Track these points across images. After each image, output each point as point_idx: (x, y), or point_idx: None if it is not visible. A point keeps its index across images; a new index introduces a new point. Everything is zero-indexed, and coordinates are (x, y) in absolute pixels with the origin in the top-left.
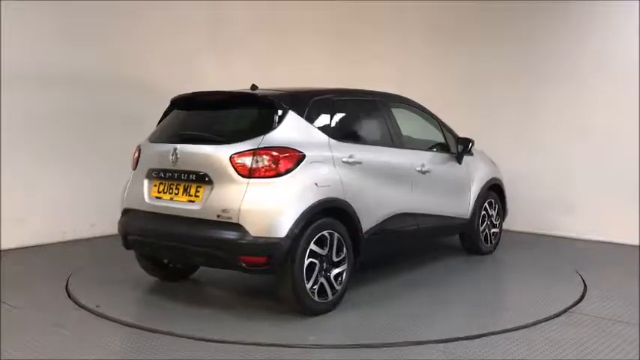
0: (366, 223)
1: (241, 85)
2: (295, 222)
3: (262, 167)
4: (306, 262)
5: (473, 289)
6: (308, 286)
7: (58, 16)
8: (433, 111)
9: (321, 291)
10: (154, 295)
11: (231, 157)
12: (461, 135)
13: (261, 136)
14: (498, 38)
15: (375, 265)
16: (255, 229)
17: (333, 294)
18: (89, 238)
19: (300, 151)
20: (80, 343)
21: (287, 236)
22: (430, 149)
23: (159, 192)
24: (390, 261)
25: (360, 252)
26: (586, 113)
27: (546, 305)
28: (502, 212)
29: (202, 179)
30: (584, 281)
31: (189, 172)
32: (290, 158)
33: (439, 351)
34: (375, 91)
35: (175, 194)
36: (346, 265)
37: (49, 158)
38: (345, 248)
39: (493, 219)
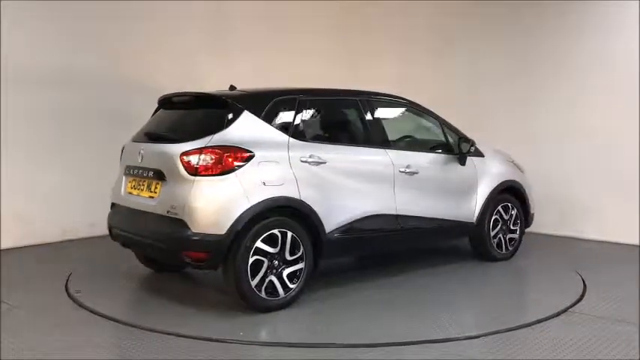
0: (332, 223)
1: (241, 85)
2: (236, 220)
3: (207, 165)
4: (251, 259)
5: (471, 290)
6: (253, 283)
7: (58, 16)
8: (434, 110)
9: (272, 289)
10: (154, 295)
11: (180, 156)
12: (467, 135)
13: (211, 136)
14: (499, 38)
15: (363, 266)
16: (196, 225)
17: (286, 292)
18: (89, 238)
19: (247, 150)
20: (80, 343)
21: (227, 233)
22: (424, 149)
23: (131, 188)
24: (382, 263)
25: (323, 252)
26: (586, 113)
27: (546, 305)
28: (522, 217)
29: (159, 176)
30: (583, 281)
31: (149, 170)
32: (235, 157)
33: (439, 351)
34: (355, 91)
35: (141, 190)
36: (303, 264)
37: (49, 158)
38: (302, 247)
39: (510, 224)
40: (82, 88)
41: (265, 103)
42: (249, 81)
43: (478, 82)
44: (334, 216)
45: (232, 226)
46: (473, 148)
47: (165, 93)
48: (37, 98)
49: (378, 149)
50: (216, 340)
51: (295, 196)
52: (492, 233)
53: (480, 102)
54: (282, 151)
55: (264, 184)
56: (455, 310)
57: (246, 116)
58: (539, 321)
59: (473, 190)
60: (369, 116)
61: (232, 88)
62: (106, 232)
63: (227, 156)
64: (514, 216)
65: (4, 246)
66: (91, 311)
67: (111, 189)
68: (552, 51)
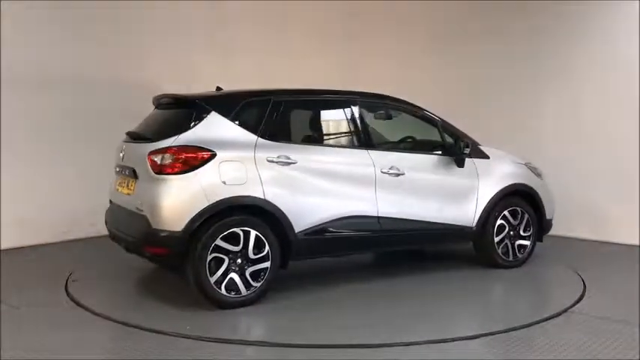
0: (302, 224)
1: (241, 85)
2: (193, 217)
3: (169, 164)
4: (210, 256)
5: (470, 289)
6: (213, 279)
7: (58, 16)
8: (436, 111)
9: (234, 286)
10: (154, 295)
11: (148, 155)
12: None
13: (177, 136)
14: (499, 39)
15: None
16: (155, 221)
17: (248, 290)
18: (89, 238)
19: (208, 150)
20: (80, 343)
21: (184, 230)
22: (415, 150)
23: (118, 185)
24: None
25: (293, 252)
26: (586, 113)
27: (546, 305)
28: (534, 223)
29: (133, 174)
30: (583, 281)
31: (127, 168)
32: (195, 157)
33: (439, 351)
34: (339, 91)
35: (123, 187)
36: (269, 263)
37: (49, 158)
38: (267, 246)
39: (520, 230)
40: (83, 89)
41: (235, 104)
42: (249, 81)
43: (479, 84)
44: (305, 216)
45: (189, 223)
46: (468, 150)
47: (165, 93)
48: (36, 98)
49: (357, 150)
50: (217, 341)
51: (259, 195)
52: (497, 239)
53: (481, 103)
54: (247, 151)
55: (224, 183)
56: (454, 310)
57: (214, 117)
58: (539, 321)
59: (472, 193)
60: (350, 117)
61: (219, 89)
62: (106, 231)
63: (187, 155)
64: (525, 222)
65: (4, 246)
66: (91, 311)
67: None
68: (553, 52)
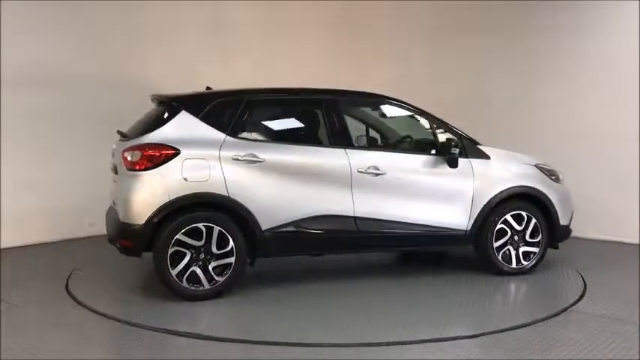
0: (269, 221)
1: (240, 85)
2: (155, 212)
3: (136, 161)
4: (171, 249)
5: (471, 289)
6: (174, 272)
7: (58, 16)
8: (435, 111)
9: (195, 279)
10: (155, 294)
11: (122, 152)
12: (468, 135)
13: (147, 134)
14: (499, 38)
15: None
16: (123, 215)
17: (211, 284)
18: (89, 237)
19: (173, 148)
20: (80, 343)
21: (146, 224)
22: (401, 150)
23: (113, 182)
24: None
25: (259, 249)
26: (586, 113)
27: (546, 304)
28: (544, 229)
29: (116, 171)
30: (584, 280)
31: (114, 165)
32: (160, 154)
33: (439, 350)
34: (318, 89)
35: (114, 183)
36: (233, 259)
37: (49, 157)
38: (231, 242)
39: (525, 236)
40: (83, 89)
41: (206, 104)
42: (249, 82)
43: (478, 82)
44: (272, 214)
45: (150, 217)
46: (457, 150)
47: (165, 93)
48: (37, 98)
49: (332, 149)
50: (220, 340)
51: (221, 192)
52: (496, 244)
53: (480, 102)
54: (213, 150)
55: (185, 180)
56: (454, 309)
57: (183, 116)
58: (539, 320)
59: (466, 194)
60: (328, 115)
61: (208, 89)
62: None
63: (152, 153)
64: (532, 227)
65: (4, 246)
66: (92, 310)
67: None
68: (552, 51)
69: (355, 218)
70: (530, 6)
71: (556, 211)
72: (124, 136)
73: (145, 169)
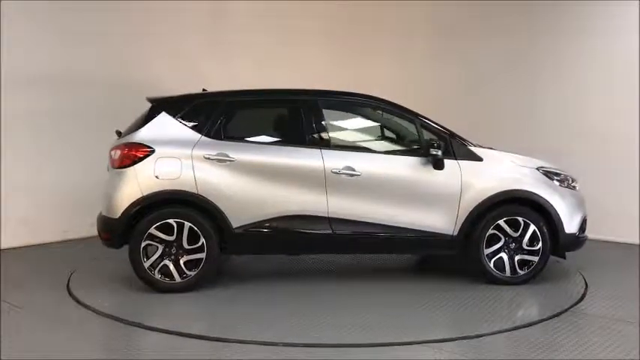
0: (240, 219)
1: (240, 86)
2: (128, 207)
3: (117, 159)
4: (144, 243)
5: (471, 288)
6: (146, 264)
7: (58, 17)
8: (434, 110)
9: (167, 272)
10: (156, 294)
11: (109, 151)
12: (461, 135)
13: (131, 134)
14: (499, 38)
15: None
16: (104, 209)
17: (182, 277)
18: (90, 237)
19: (147, 147)
20: (81, 342)
21: (120, 218)
22: (382, 151)
23: None
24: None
25: (231, 246)
26: (586, 113)
27: (547, 304)
28: (545, 237)
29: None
30: (585, 280)
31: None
32: (135, 153)
33: (439, 351)
34: (297, 90)
35: None
36: (204, 254)
37: (50, 157)
38: (201, 238)
39: (523, 243)
40: (83, 89)
41: (184, 105)
42: (250, 82)
43: (478, 83)
44: (243, 212)
45: (124, 212)
46: (438, 151)
47: (165, 93)
48: (37, 99)
49: (307, 149)
50: (217, 340)
51: (191, 190)
52: (488, 251)
53: (481, 102)
54: (186, 149)
55: (157, 177)
56: (454, 309)
57: (163, 117)
58: (540, 321)
59: (452, 197)
60: (305, 116)
61: (204, 91)
62: None
63: (128, 151)
64: (530, 234)
65: (4, 246)
66: (93, 310)
67: None
68: (553, 51)
69: (329, 219)
70: (531, 6)
71: (559, 218)
72: (119, 136)
73: (123, 167)
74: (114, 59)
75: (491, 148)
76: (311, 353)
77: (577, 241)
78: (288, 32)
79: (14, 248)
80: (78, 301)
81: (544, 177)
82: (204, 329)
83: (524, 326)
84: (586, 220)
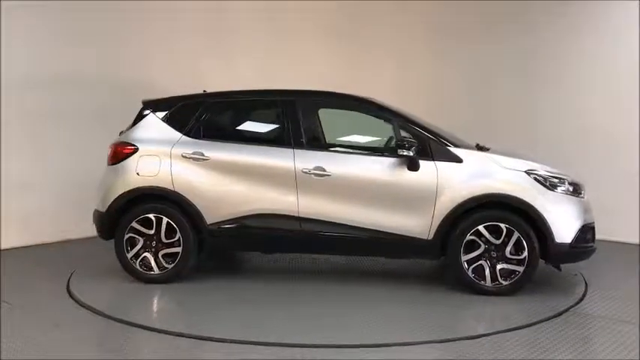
0: (213, 216)
1: (240, 86)
2: (112, 201)
3: (109, 157)
4: (127, 235)
5: (471, 291)
6: (129, 255)
7: (59, 17)
8: (431, 111)
9: (147, 263)
10: (156, 294)
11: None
12: (460, 136)
13: (124, 134)
14: (499, 38)
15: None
16: (97, 204)
17: (161, 270)
18: (89, 237)
19: (132, 146)
20: (81, 343)
21: (107, 211)
22: (355, 151)
23: None
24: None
25: (206, 242)
26: (586, 113)
27: (547, 305)
28: (531, 246)
29: None
30: (585, 280)
31: None
32: (120, 151)
33: (440, 351)
34: (276, 91)
35: None
36: (180, 248)
37: (50, 157)
38: (178, 233)
39: (506, 251)
40: (83, 89)
41: (170, 106)
42: (250, 83)
43: (478, 83)
44: (216, 209)
45: (110, 205)
46: (408, 152)
47: (165, 94)
48: (37, 98)
49: (280, 149)
50: (219, 340)
51: (167, 186)
52: (465, 258)
53: (480, 102)
54: (166, 147)
55: (137, 174)
56: (454, 309)
57: (150, 117)
58: (540, 321)
59: (427, 199)
60: (282, 116)
61: (204, 92)
62: None
63: (116, 149)
64: (513, 242)
65: (4, 246)
66: (93, 310)
67: None
68: (553, 50)
69: (299, 219)
70: (531, 6)
71: (547, 226)
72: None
73: (113, 164)
74: (114, 59)
75: (489, 148)
76: (311, 353)
77: (572, 251)
78: (289, 32)
79: (14, 248)
80: (78, 302)
81: (532, 181)
82: (204, 330)
83: (524, 326)
84: (590, 229)
